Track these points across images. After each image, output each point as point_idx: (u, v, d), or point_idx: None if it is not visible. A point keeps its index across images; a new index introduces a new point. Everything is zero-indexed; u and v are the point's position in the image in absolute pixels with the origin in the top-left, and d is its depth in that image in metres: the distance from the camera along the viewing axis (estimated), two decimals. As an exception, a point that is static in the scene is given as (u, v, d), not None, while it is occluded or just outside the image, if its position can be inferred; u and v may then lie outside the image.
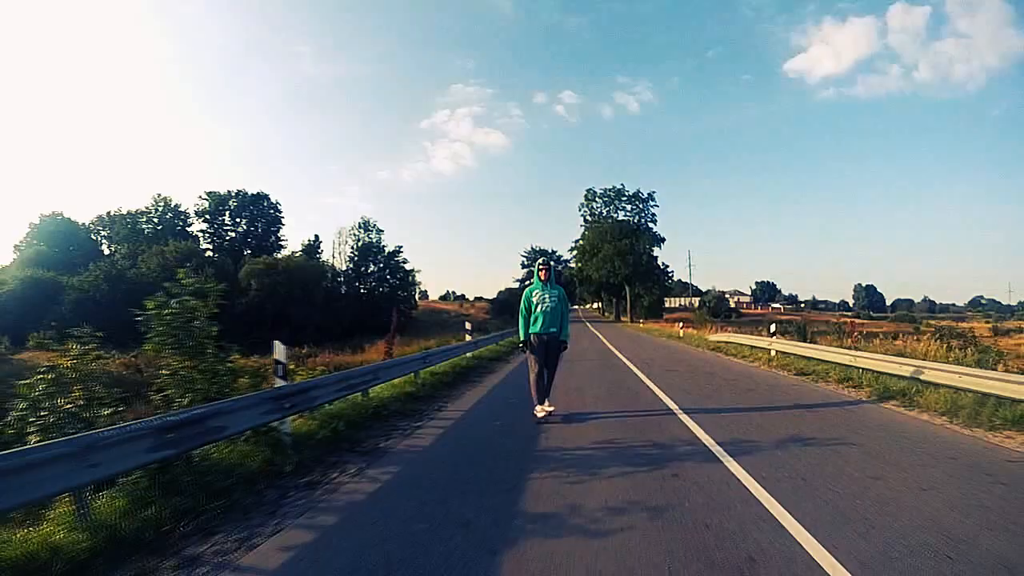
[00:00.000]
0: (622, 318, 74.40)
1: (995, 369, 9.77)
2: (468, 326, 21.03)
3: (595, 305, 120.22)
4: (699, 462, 5.83)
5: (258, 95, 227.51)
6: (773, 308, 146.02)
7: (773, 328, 17.96)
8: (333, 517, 4.54)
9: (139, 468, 4.59)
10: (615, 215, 75.57)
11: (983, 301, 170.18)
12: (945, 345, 15.69)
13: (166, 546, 3.95)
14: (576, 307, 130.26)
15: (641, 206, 74.76)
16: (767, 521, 4.12)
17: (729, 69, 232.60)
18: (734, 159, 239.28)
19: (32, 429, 5.20)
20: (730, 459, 5.82)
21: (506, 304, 71.57)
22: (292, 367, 10.11)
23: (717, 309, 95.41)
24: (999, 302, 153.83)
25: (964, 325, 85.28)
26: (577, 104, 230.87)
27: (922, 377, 9.46)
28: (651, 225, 74.58)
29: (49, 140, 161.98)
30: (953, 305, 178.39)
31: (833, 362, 12.91)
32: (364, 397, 8.92)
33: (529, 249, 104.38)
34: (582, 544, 3.80)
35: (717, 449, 6.28)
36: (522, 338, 8.39)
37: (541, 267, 8.42)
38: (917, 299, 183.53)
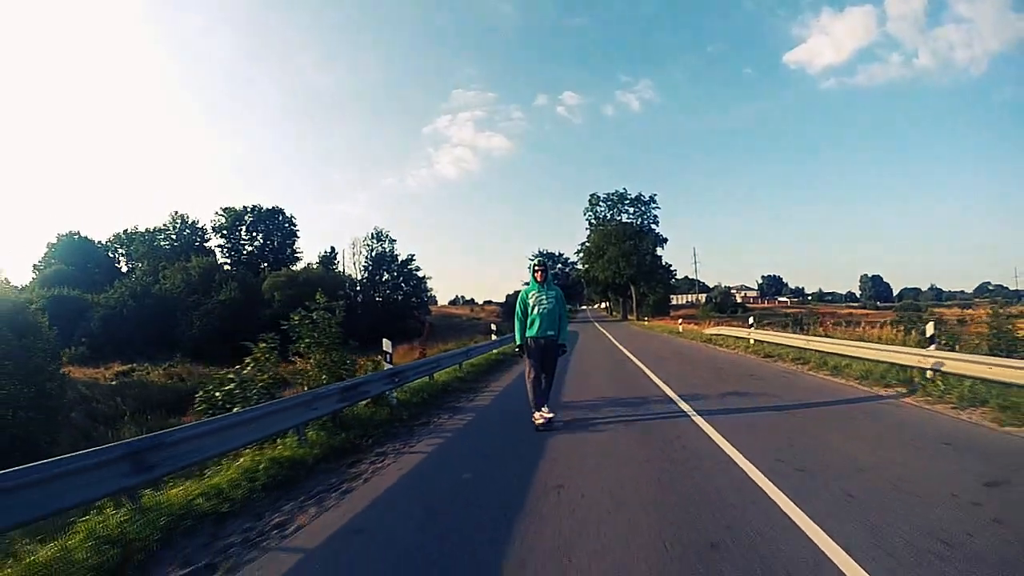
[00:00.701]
0: (629, 316, 77.92)
1: (925, 347, 13.01)
2: (493, 327, 24.40)
3: (603, 305, 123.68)
4: (664, 402, 9.46)
5: (262, 107, 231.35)
6: (779, 302, 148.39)
7: (751, 320, 21.45)
8: (447, 434, 8.09)
9: (331, 412, 7.97)
10: (619, 218, 79.21)
11: (990, 287, 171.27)
12: (899, 329, 18.93)
13: (360, 450, 7.31)
14: (584, 307, 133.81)
15: (643, 208, 78.38)
16: (695, 428, 7.59)
17: (730, 64, 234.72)
18: (738, 154, 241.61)
19: (239, 400, 8.61)
20: (683, 401, 9.33)
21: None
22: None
23: (723, 304, 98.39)
24: (1006, 287, 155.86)
25: (969, 312, 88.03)
26: (579, 105, 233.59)
27: (854, 354, 12.73)
28: (653, 227, 78.16)
29: (57, 160, 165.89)
30: (960, 292, 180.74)
31: (792, 346, 16.31)
32: (431, 380, 12.31)
33: (536, 252, 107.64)
34: (591, 436, 7.32)
35: (674, 396, 9.93)
36: (518, 342, 8.30)
37: (537, 267, 8.31)
38: (924, 287, 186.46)
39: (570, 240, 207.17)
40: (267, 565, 3.97)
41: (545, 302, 8.10)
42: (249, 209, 74.78)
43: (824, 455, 5.86)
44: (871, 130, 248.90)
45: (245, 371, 9.00)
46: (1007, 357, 8.97)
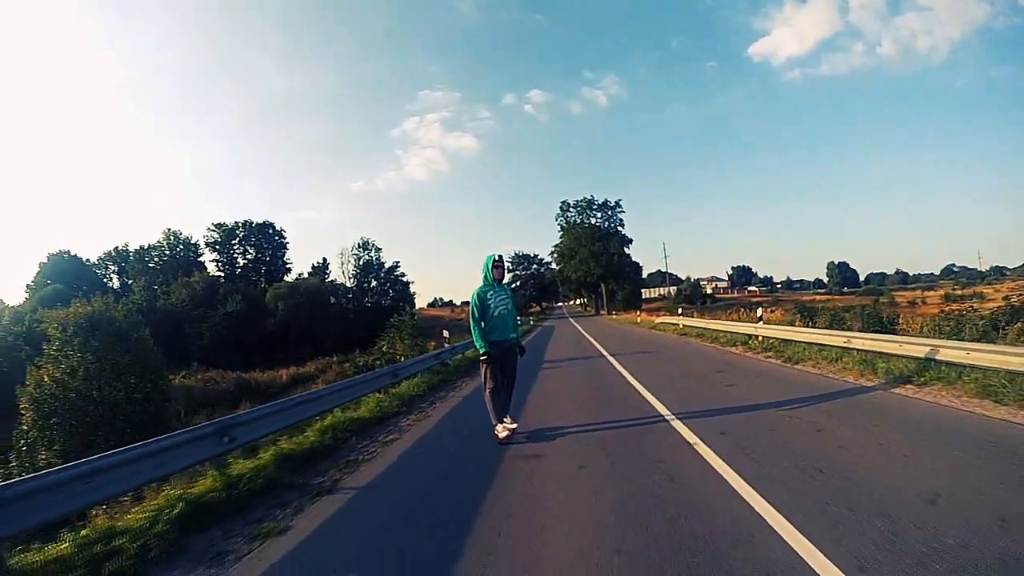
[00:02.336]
0: (600, 311, 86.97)
1: (756, 324, 21.30)
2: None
3: (578, 301, 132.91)
4: (599, 357, 17.51)
5: (225, 112, 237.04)
6: (749, 291, 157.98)
7: (680, 311, 30.14)
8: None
9: (429, 368, 15.92)
10: (588, 222, 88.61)
11: (955, 269, 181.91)
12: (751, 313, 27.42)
13: (452, 384, 15.32)
14: (560, 304, 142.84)
15: (610, 213, 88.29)
16: (624, 379, 15.74)
17: (694, 57, 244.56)
18: (707, 147, 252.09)
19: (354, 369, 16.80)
20: (612, 358, 17.29)
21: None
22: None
23: (692, 296, 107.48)
24: (971, 268, 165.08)
25: (928, 293, 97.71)
26: (546, 102, 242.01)
27: (723, 328, 21.04)
28: (620, 229, 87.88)
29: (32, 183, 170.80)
30: (925, 275, 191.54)
31: (700, 327, 24.69)
32: (463, 356, 20.32)
33: (513, 254, 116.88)
34: (560, 373, 15.52)
35: (605, 354, 18.10)
36: (482, 349, 7.39)
37: (497, 263, 7.59)
38: (891, 271, 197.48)
39: (543, 237, 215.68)
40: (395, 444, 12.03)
41: (503, 303, 7.47)
42: (241, 224, 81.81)
43: (671, 367, 14.08)
44: (836, 119, 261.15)
45: (380, 349, 17.29)
46: (791, 327, 17.38)
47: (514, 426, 7.51)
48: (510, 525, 4.46)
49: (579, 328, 40.60)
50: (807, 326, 18.27)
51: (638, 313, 49.94)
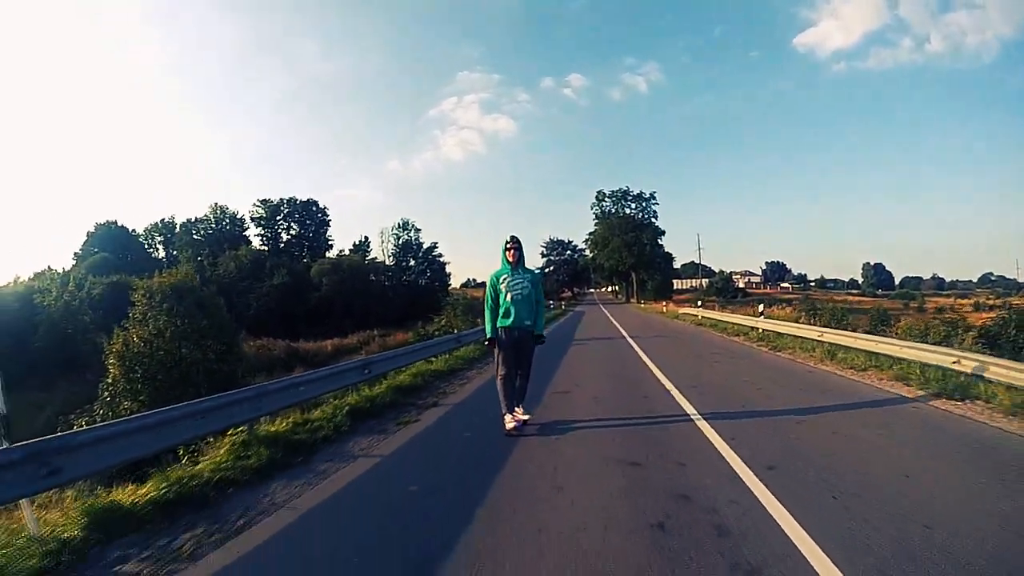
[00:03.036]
0: (631, 300, 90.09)
1: (757, 317, 24.43)
2: None
3: (609, 289, 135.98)
4: (620, 339, 20.82)
5: (267, 94, 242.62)
6: (781, 287, 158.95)
7: (700, 303, 33.37)
8: None
9: (448, 350, 19.24)
10: (623, 212, 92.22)
11: (992, 277, 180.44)
12: (800, 310, 30.45)
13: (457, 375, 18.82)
14: (592, 291, 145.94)
15: (644, 204, 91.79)
16: (636, 355, 19.14)
17: (738, 46, 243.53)
18: (746, 138, 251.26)
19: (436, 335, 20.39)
20: (631, 340, 20.65)
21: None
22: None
23: (724, 290, 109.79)
24: (1008, 278, 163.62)
25: (960, 301, 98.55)
26: (585, 87, 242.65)
27: (732, 320, 24.30)
28: (653, 220, 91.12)
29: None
30: (963, 281, 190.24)
31: (713, 318, 27.88)
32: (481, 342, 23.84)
33: (548, 240, 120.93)
34: (587, 349, 18.91)
35: (626, 335, 21.43)
36: (488, 334, 7.36)
37: (509, 245, 7.32)
38: (927, 276, 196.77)
39: (578, 222, 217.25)
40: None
41: (519, 287, 7.25)
42: (285, 201, 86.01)
43: (677, 348, 17.36)
44: (880, 116, 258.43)
45: (438, 322, 20.85)
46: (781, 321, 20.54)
47: (526, 417, 7.46)
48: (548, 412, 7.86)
49: (607, 314, 43.88)
50: (811, 323, 21.28)
51: (665, 303, 53.23)
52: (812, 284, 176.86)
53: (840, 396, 8.94)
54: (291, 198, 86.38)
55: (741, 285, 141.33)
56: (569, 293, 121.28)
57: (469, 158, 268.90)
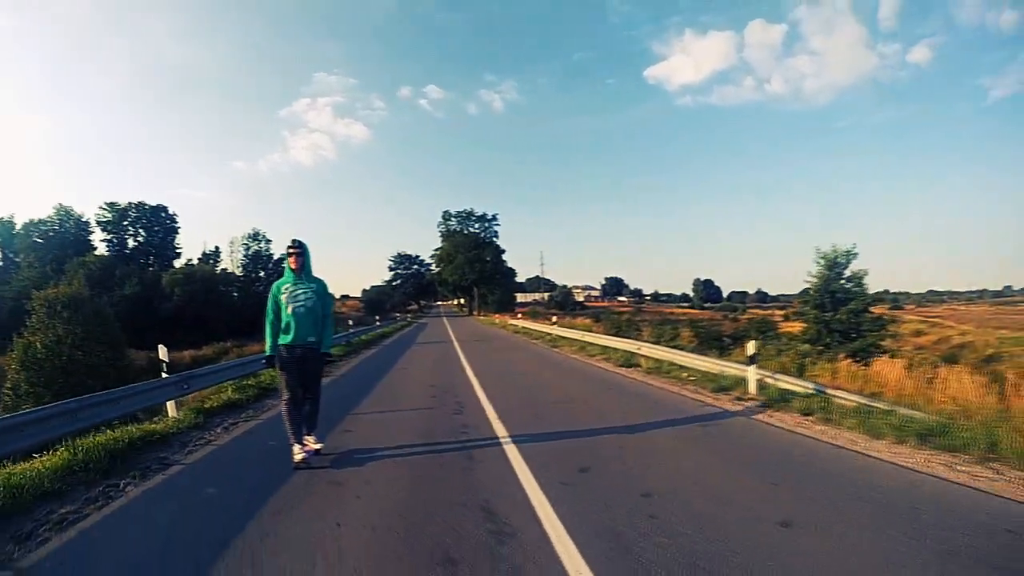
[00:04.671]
0: (474, 312, 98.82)
1: (550, 324, 32.39)
2: (351, 321, 41.78)
3: (454, 302, 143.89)
4: (451, 345, 28.38)
5: (111, 76, 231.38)
6: (618, 301, 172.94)
7: (520, 315, 42.05)
8: (378, 347, 26.77)
9: (343, 344, 26.05)
10: (467, 230, 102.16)
11: (810, 292, 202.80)
12: (592, 320, 38.95)
13: (358, 354, 25.49)
14: (439, 303, 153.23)
15: (487, 225, 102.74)
16: (456, 353, 26.69)
17: (595, 73, 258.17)
18: (593, 159, 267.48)
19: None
20: (456, 343, 28.34)
21: (376, 302, 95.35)
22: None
23: (564, 303, 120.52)
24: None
25: (780, 312, 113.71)
26: (443, 99, 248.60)
27: (530, 328, 32.33)
28: (494, 239, 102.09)
29: None
30: (785, 295, 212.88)
31: (523, 327, 36.01)
32: (349, 343, 30.43)
33: (396, 254, 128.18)
34: (424, 348, 26.27)
35: (456, 343, 28.99)
36: (268, 351, 6.70)
37: (291, 250, 6.74)
38: (752, 291, 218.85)
39: (429, 233, 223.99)
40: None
41: (303, 298, 6.59)
42: (134, 205, 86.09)
43: (486, 347, 24.82)
44: (720, 146, 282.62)
45: None
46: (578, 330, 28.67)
47: (317, 447, 6.99)
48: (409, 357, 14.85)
49: (447, 325, 51.42)
50: (594, 331, 29.28)
51: (498, 316, 62.17)
52: (647, 298, 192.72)
53: (571, 370, 16.66)
54: (140, 203, 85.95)
55: (581, 299, 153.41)
56: (416, 306, 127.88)
57: (319, 163, 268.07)
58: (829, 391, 9.76)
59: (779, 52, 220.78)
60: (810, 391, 9.94)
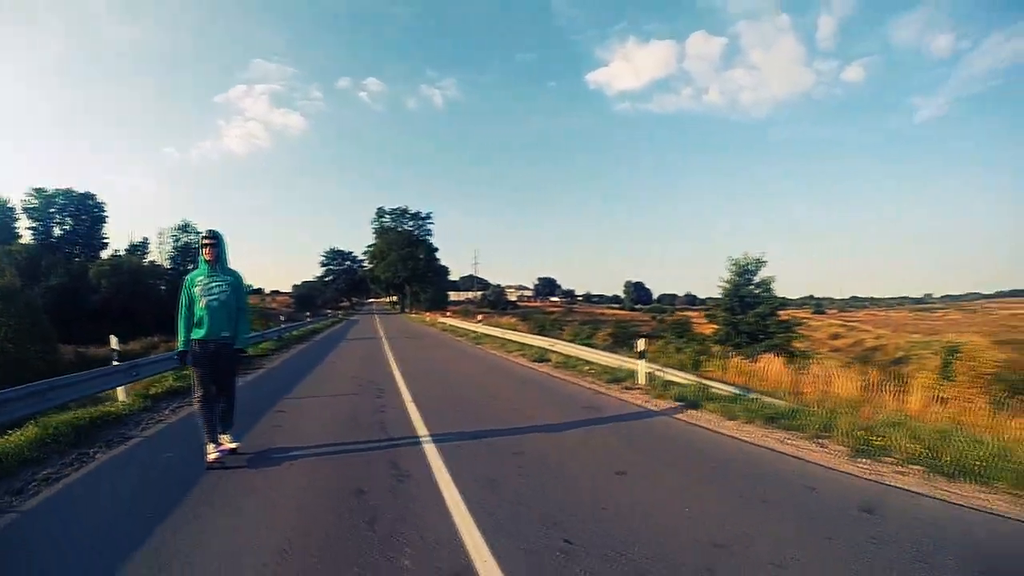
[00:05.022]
0: (406, 310, 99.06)
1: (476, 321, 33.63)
2: (282, 317, 42.25)
3: (387, 299, 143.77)
4: (380, 340, 29.52)
5: (44, 51, 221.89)
6: (551, 301, 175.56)
7: (449, 313, 43.13)
8: (308, 343, 27.79)
9: (274, 339, 26.70)
10: (401, 227, 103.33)
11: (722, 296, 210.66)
12: (515, 319, 40.27)
13: (289, 348, 26.19)
14: (371, 300, 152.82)
15: (420, 223, 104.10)
16: (384, 347, 27.84)
17: (537, 74, 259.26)
18: (532, 160, 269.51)
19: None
20: (385, 339, 29.68)
21: (307, 298, 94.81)
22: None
23: (496, 302, 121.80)
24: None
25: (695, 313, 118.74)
26: (382, 93, 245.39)
27: (452, 324, 33.48)
28: (428, 238, 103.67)
29: None
30: (714, 298, 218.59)
31: (458, 326, 37.21)
32: (280, 339, 31.06)
33: (329, 250, 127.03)
34: (353, 343, 27.26)
35: (384, 339, 30.43)
36: (180, 347, 6.55)
37: (206, 241, 6.62)
38: (682, 294, 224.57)
39: (365, 230, 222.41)
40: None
41: (217, 291, 6.45)
42: (61, 192, 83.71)
43: (412, 343, 26.01)
44: (655, 153, 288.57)
45: None
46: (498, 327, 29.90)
47: (232, 446, 6.79)
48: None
49: (377, 322, 52.53)
50: (517, 330, 30.81)
51: (429, 314, 63.43)
52: (579, 298, 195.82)
53: (485, 363, 18.56)
54: (67, 190, 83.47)
55: (514, 298, 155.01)
56: (348, 303, 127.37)
57: (253, 153, 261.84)
58: (708, 382, 11.21)
59: (718, 64, 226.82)
60: (692, 382, 11.33)
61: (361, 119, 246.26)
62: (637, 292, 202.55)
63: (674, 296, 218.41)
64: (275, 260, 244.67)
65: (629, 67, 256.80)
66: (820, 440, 7.65)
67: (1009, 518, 5.11)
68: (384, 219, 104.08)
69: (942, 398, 11.40)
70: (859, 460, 6.81)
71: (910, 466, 6.55)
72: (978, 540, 4.64)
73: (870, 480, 6.14)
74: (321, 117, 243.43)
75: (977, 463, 6.26)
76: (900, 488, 5.88)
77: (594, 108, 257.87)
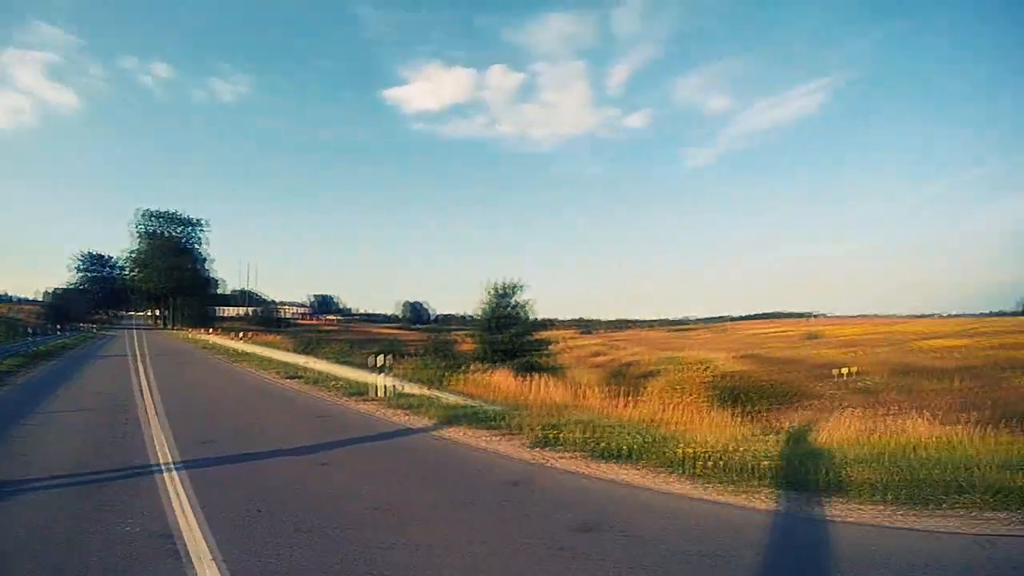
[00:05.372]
0: (169, 326, 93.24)
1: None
2: (30, 329, 39.52)
3: (150, 313, 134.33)
4: (134, 359, 28.57)
5: None
6: (327, 319, 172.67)
7: (212, 331, 41.95)
8: (59, 359, 26.16)
9: (22, 355, 24.88)
10: (169, 233, 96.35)
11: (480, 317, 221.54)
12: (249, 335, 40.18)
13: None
14: (132, 313, 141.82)
15: (191, 230, 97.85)
16: (139, 366, 26.87)
17: (331, 81, 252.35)
18: (317, 172, 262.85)
19: None
20: (139, 355, 28.95)
21: (61, 309, 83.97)
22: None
23: (267, 319, 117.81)
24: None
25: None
26: (169, 80, 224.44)
27: (239, 348, 32.96)
28: (199, 246, 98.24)
29: None
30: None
31: (208, 340, 36.57)
32: (30, 352, 28.86)
33: (85, 253, 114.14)
34: (107, 360, 26.18)
35: (139, 356, 29.87)
36: None
37: None
38: (460, 314, 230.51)
39: (125, 238, 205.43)
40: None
41: None
42: None
43: (163, 359, 25.57)
44: (443, 175, 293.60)
45: None
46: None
47: None
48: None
49: (135, 339, 49.76)
50: (297, 350, 31.04)
51: (192, 330, 61.20)
52: (357, 317, 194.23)
53: (236, 379, 20.03)
54: None
55: (289, 315, 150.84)
56: (104, 316, 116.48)
57: (16, 130, 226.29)
58: (442, 394, 12.83)
59: (514, 97, 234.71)
60: (424, 394, 12.77)
61: (142, 106, 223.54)
62: (415, 311, 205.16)
63: (451, 316, 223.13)
64: (25, 262, 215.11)
65: (430, 88, 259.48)
66: (511, 436, 9.22)
67: (628, 484, 6.76)
68: (150, 222, 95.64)
69: (672, 402, 13.60)
70: (535, 449, 8.41)
71: (575, 452, 8.19)
72: (587, 500, 6.19)
73: (533, 463, 7.72)
74: (98, 98, 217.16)
75: (628, 449, 7.94)
76: (556, 468, 7.51)
77: (388, 125, 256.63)
